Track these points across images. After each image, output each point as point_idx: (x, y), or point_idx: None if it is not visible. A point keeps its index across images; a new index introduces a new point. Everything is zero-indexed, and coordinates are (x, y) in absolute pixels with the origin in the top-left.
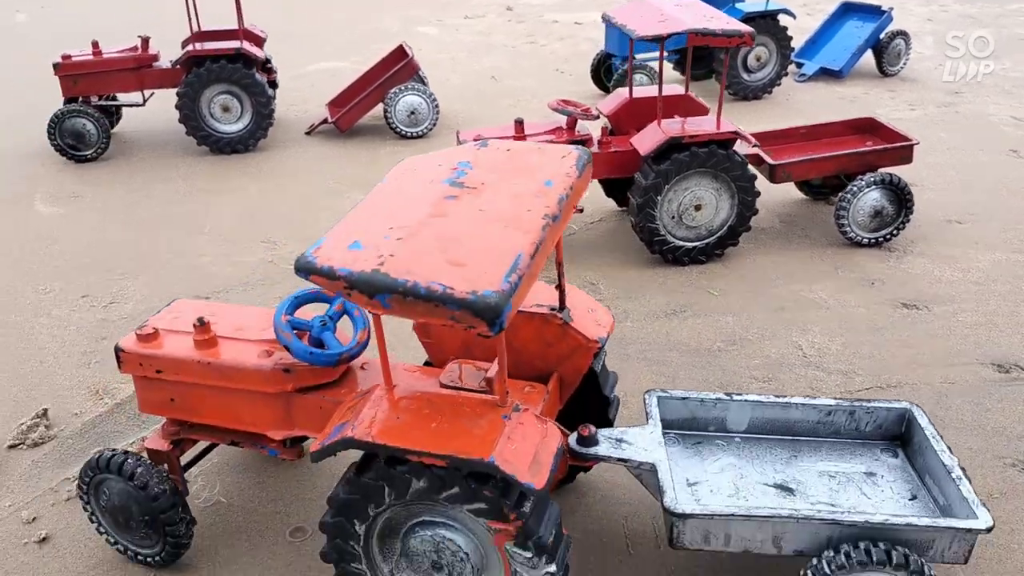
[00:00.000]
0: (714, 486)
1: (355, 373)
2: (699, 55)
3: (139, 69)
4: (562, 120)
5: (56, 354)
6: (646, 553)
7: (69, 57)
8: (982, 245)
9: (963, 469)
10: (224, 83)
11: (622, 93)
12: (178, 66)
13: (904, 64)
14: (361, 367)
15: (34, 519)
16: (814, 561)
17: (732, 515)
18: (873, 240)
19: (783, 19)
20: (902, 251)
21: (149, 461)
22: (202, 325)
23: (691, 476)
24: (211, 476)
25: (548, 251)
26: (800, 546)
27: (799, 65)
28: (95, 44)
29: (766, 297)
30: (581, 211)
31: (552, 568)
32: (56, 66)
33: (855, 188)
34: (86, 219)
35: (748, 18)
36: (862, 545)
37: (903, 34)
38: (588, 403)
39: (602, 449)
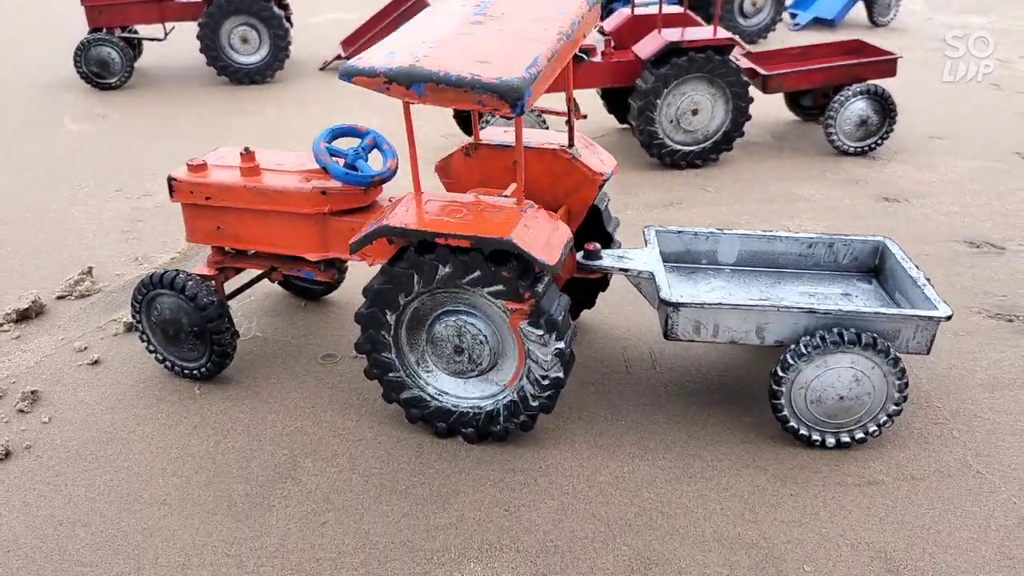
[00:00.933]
0: (705, 300)
1: (382, 205)
2: (696, 4)
3: (161, 1)
4: None
5: (95, 232)
6: (642, 373)
7: None
8: (961, 155)
9: (928, 279)
10: (243, 15)
11: (624, 11)
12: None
13: (894, 16)
14: (388, 200)
15: (85, 348)
16: (793, 346)
17: (720, 304)
18: (859, 149)
19: None
20: (886, 159)
21: (199, 277)
22: (248, 154)
23: (684, 294)
24: (250, 314)
25: (562, 61)
26: (780, 336)
27: (793, 16)
28: None
29: (757, 193)
30: (585, 117)
31: (561, 344)
32: None
33: (842, 98)
34: (114, 134)
35: None
36: (835, 329)
37: None
38: (592, 239)
39: (605, 262)
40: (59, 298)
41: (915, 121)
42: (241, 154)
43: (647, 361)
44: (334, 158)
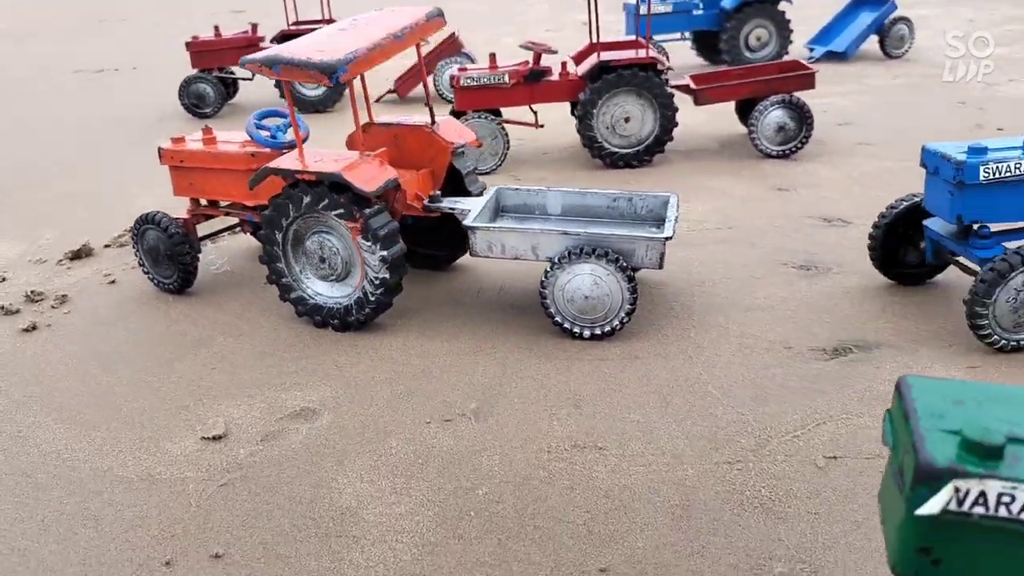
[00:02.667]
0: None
1: None
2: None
3: (248, 47)
4: (530, 56)
5: (151, 206)
6: (490, 296)
7: (197, 37)
8: (877, 157)
9: (676, 219)
10: None
11: (587, 42)
12: (275, 42)
13: (908, 48)
14: None
15: (109, 274)
16: (552, 260)
17: (500, 227)
18: (781, 152)
19: (783, 5)
20: (805, 161)
21: (172, 217)
22: (207, 129)
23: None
24: (223, 254)
25: (387, 53)
26: (549, 253)
27: (810, 50)
28: (216, 28)
29: (671, 184)
30: (542, 126)
31: (384, 253)
32: (187, 44)
33: (762, 107)
34: None
35: (746, 3)
36: (580, 246)
37: (906, 20)
38: (459, 195)
39: (443, 204)
40: (105, 246)
41: (854, 132)
42: (203, 131)
43: (496, 292)
44: (261, 131)
